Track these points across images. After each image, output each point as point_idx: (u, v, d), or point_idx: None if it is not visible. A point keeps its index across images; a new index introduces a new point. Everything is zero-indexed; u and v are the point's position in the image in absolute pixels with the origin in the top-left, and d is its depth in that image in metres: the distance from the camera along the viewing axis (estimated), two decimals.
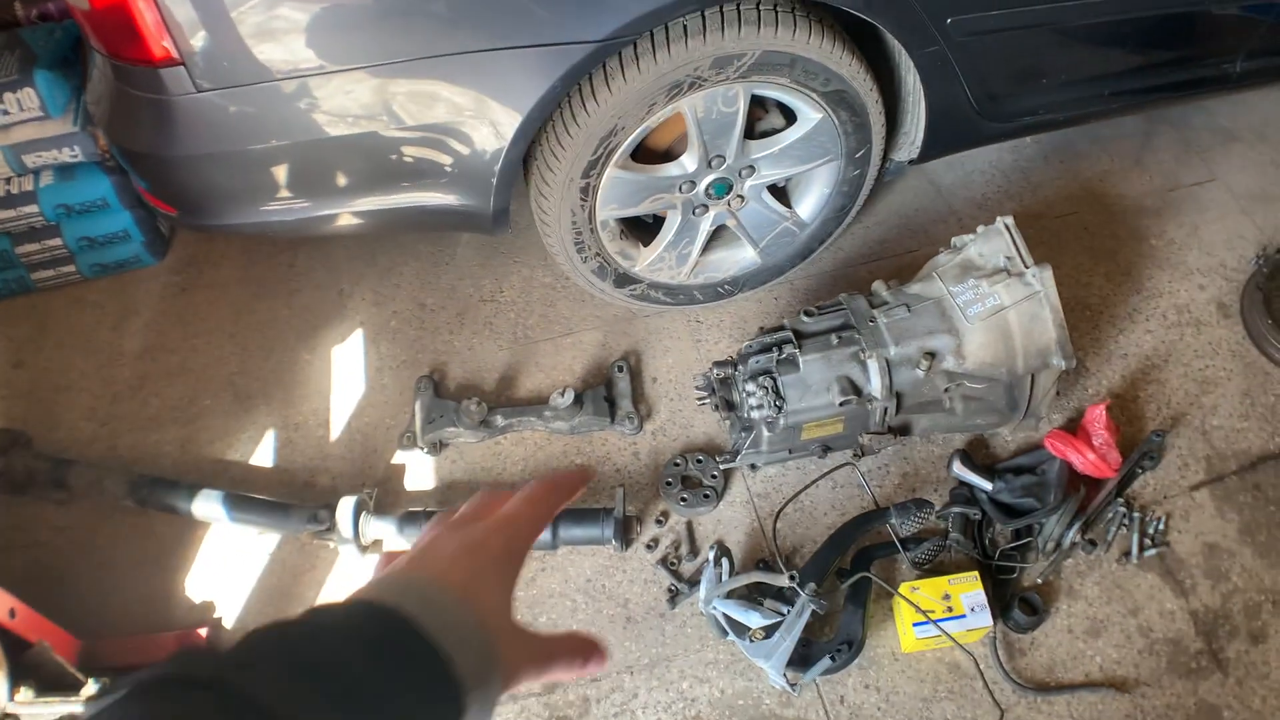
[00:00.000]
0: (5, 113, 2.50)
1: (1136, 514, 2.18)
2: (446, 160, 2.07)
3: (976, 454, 2.26)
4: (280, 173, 2.11)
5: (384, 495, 2.30)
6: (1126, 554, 2.14)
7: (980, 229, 2.15)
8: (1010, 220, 2.11)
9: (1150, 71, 2.48)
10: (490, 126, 1.99)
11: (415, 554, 0.65)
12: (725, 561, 2.01)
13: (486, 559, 0.64)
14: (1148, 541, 2.16)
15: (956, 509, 2.13)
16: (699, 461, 2.25)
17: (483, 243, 2.77)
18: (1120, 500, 2.19)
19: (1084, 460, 2.16)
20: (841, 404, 2.02)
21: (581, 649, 0.68)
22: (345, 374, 2.56)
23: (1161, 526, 2.18)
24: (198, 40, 1.85)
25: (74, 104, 2.57)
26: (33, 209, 2.64)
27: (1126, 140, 2.87)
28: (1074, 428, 2.27)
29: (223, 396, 2.54)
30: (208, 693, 0.48)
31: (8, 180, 2.63)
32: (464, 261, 2.75)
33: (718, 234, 2.38)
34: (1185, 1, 2.33)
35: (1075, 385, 2.39)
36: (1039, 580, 2.11)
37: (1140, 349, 2.45)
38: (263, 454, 2.43)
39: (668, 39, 1.93)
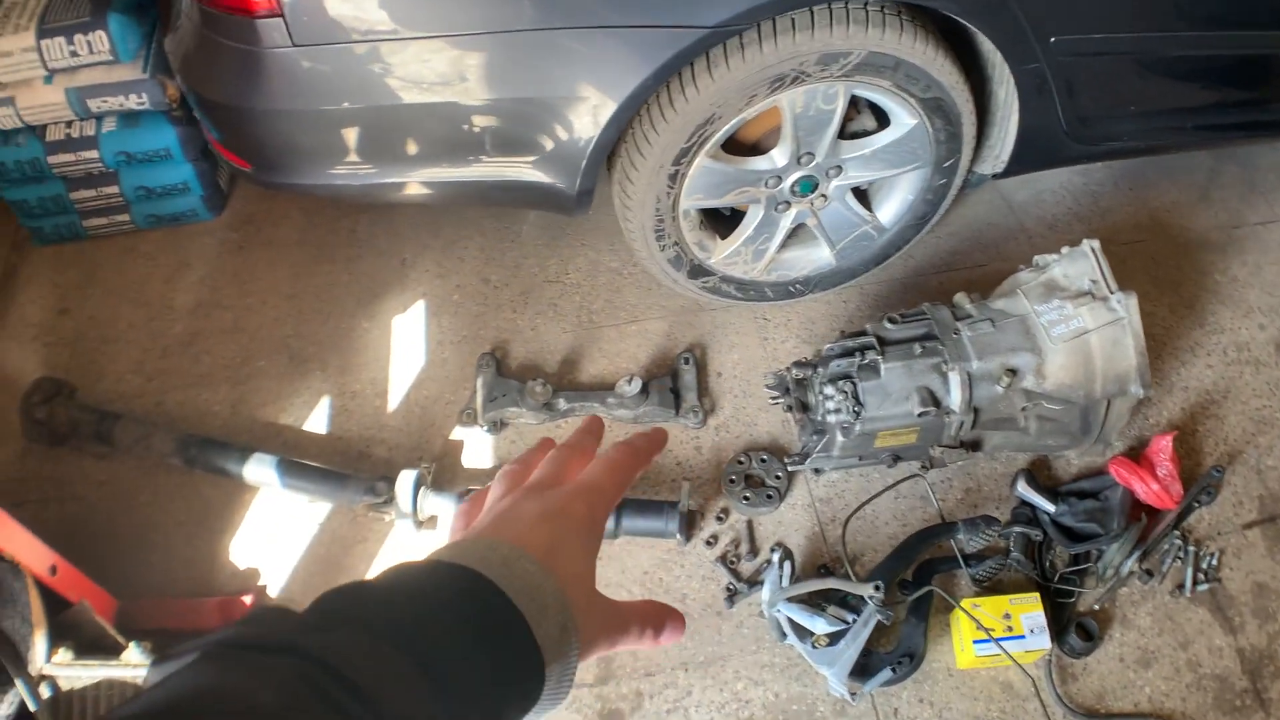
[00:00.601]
0: (74, 54, 2.46)
1: (1191, 548, 2.17)
2: (535, 137, 2.04)
3: (1038, 475, 2.25)
4: (362, 136, 2.07)
5: (440, 471, 2.27)
6: (1180, 587, 2.13)
7: (1065, 250, 2.14)
8: (1096, 244, 2.10)
9: (1233, 109, 2.48)
10: (587, 105, 1.97)
11: (495, 518, 0.62)
12: (788, 564, 1.98)
13: (569, 526, 0.61)
14: (1201, 576, 2.15)
15: (1019, 528, 2.12)
16: (763, 461, 2.23)
17: (549, 222, 2.74)
18: (1177, 533, 2.18)
19: (1147, 490, 2.15)
20: (920, 414, 2.00)
21: (658, 616, 0.66)
22: (405, 345, 2.52)
23: (1215, 562, 2.17)
24: None
25: (145, 50, 2.53)
26: (92, 154, 2.59)
27: (1194, 174, 2.87)
28: (1135, 455, 2.26)
29: (277, 359, 2.50)
30: (285, 658, 0.46)
31: (69, 124, 2.59)
32: (530, 240, 2.72)
33: (795, 232, 2.36)
34: (1276, 45, 2.33)
35: (1136, 415, 2.38)
36: (1095, 606, 2.10)
37: (1200, 383, 2.44)
38: (316, 420, 2.39)
39: (776, 31, 1.91)
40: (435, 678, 0.49)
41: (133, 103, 2.54)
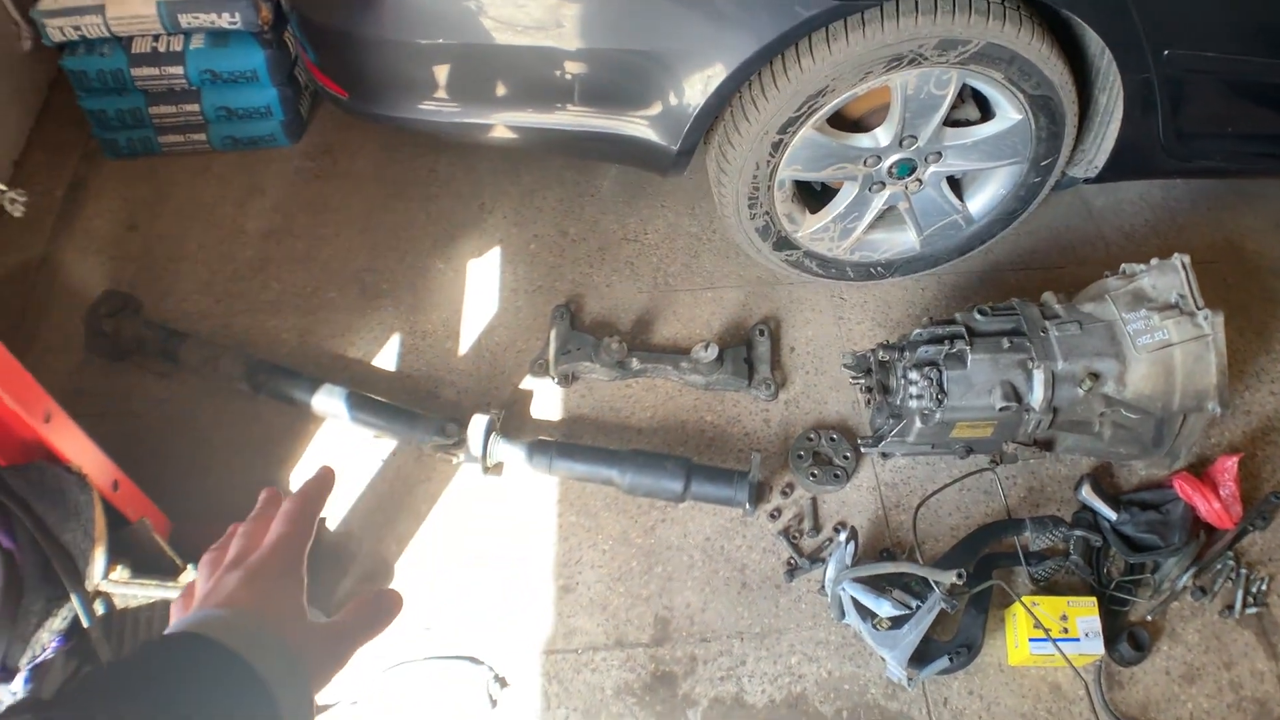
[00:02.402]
0: None
1: (1243, 570, 2.18)
2: (641, 91, 2.03)
3: (1102, 481, 2.25)
4: (462, 72, 2.06)
5: (509, 419, 2.26)
6: (1229, 607, 2.13)
7: (1154, 261, 2.14)
8: (1187, 259, 2.10)
9: None
10: (700, 64, 1.96)
11: (205, 596, 0.72)
12: (853, 545, 1.98)
13: (269, 580, 0.72)
14: (1250, 599, 2.15)
15: (1080, 532, 2.12)
16: (832, 439, 2.23)
17: (629, 181, 2.72)
18: (1230, 554, 2.19)
19: (1209, 508, 2.15)
20: (1001, 409, 2.00)
21: (370, 607, 0.78)
22: (478, 289, 2.51)
23: (1264, 587, 2.17)
24: None
25: None
26: (177, 70, 2.57)
27: (1271, 201, 2.86)
28: (1198, 473, 2.26)
29: (349, 291, 2.48)
30: None
31: (156, 38, 2.57)
32: (609, 197, 2.71)
33: (883, 214, 2.35)
34: None
35: (1205, 433, 2.39)
36: (1147, 617, 2.10)
37: (1263, 409, 2.45)
38: (386, 357, 2.38)
39: (900, 10, 1.90)
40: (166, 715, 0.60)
41: (224, 21, 2.52)
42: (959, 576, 1.76)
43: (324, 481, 0.84)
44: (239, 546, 0.76)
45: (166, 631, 0.67)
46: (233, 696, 0.63)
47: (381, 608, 0.79)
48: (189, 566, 1.86)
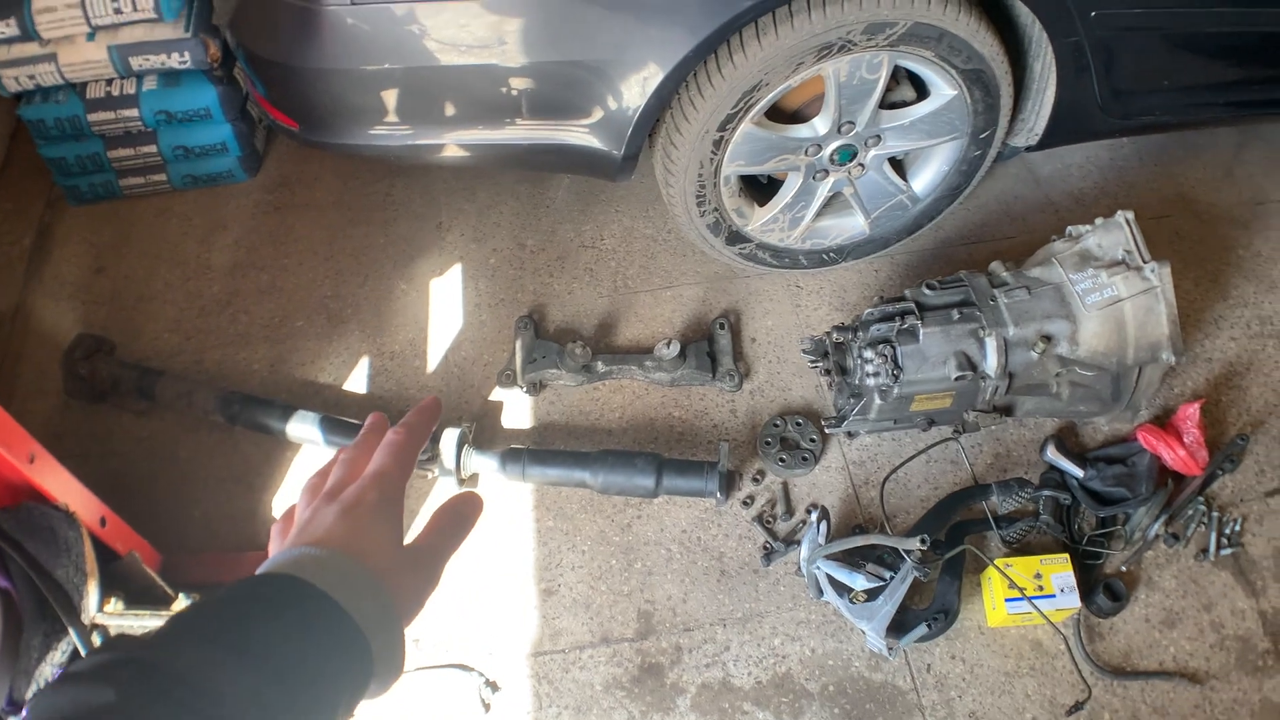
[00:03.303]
0: (118, 11, 2.48)
1: (1215, 513, 2.22)
2: (582, 100, 2.06)
3: (1067, 441, 2.29)
4: (408, 96, 2.10)
5: (480, 431, 2.30)
6: (1204, 551, 2.17)
7: (1099, 221, 2.18)
8: (1131, 215, 2.14)
9: (1261, 85, 2.50)
10: (635, 70, 1.99)
11: (301, 529, 0.71)
12: (824, 524, 2.02)
13: (365, 514, 0.71)
14: (1224, 541, 2.19)
15: (1048, 492, 2.16)
16: (798, 424, 2.27)
17: (582, 189, 2.77)
18: (1201, 499, 2.23)
19: (1174, 456, 2.19)
20: (957, 379, 2.04)
21: (452, 513, 0.78)
22: (442, 307, 2.55)
23: (1238, 528, 2.21)
24: None
25: (188, 9, 2.55)
26: (132, 113, 2.61)
27: (1219, 150, 2.90)
28: (1161, 423, 2.30)
29: (316, 319, 2.52)
30: (129, 668, 0.55)
31: (110, 82, 2.61)
32: (564, 206, 2.75)
33: (830, 201, 2.39)
34: None
35: (1162, 385, 2.42)
36: (1122, 568, 2.14)
37: (1224, 355, 2.49)
38: (356, 380, 2.42)
39: (825, 0, 1.93)
40: (254, 666, 0.58)
41: (175, 61, 2.55)
42: (922, 542, 1.80)
43: (430, 411, 0.83)
44: (338, 475, 0.75)
45: (261, 570, 0.66)
46: (326, 641, 0.62)
47: (462, 513, 0.79)
48: (180, 595, 1.91)
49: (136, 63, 2.55)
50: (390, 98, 2.09)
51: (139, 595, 1.88)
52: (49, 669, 1.66)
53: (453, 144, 2.18)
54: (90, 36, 2.52)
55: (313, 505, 0.73)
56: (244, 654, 0.58)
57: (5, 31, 2.50)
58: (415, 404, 2.35)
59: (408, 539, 0.73)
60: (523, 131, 2.14)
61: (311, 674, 0.60)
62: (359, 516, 0.71)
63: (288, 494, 2.25)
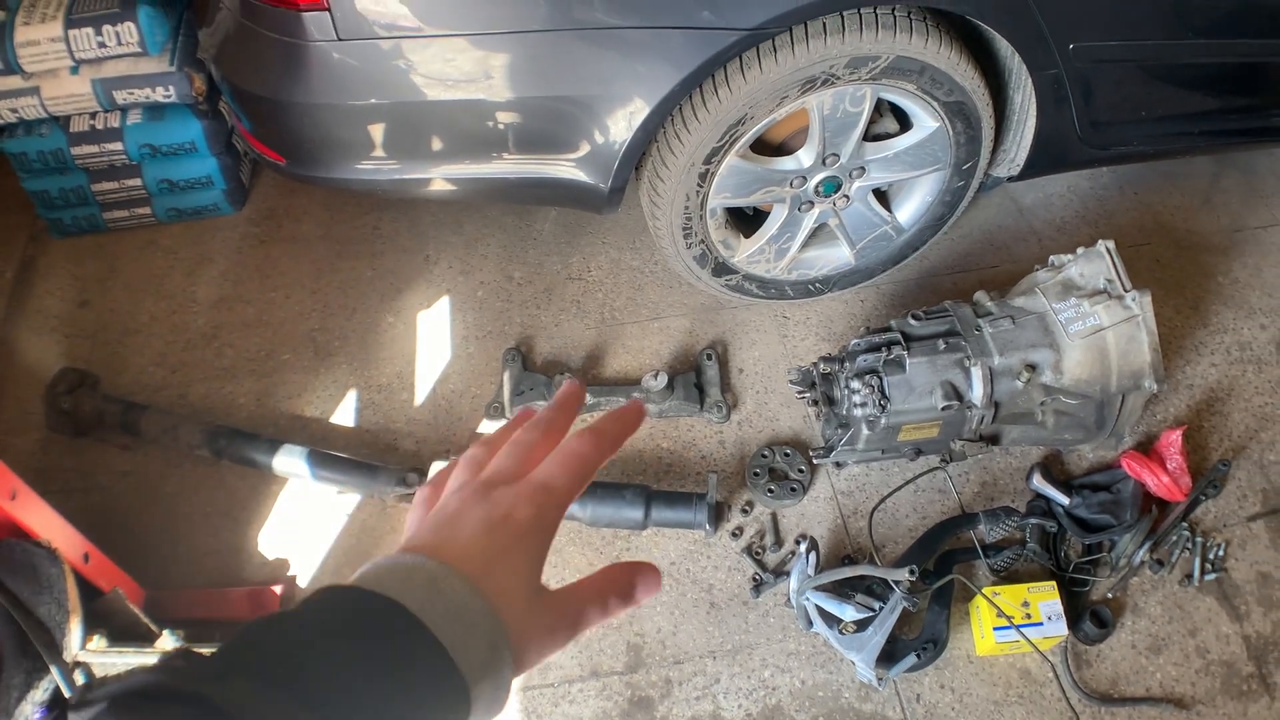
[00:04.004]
0: (102, 45, 2.48)
1: (1199, 539, 2.24)
2: (568, 135, 2.08)
3: (1052, 469, 2.31)
4: (395, 131, 2.10)
5: None
6: (1188, 576, 2.19)
7: (1080, 250, 2.20)
8: (1111, 244, 2.16)
9: (1237, 115, 2.55)
10: (621, 104, 2.01)
11: (438, 525, 0.60)
12: (813, 555, 2.03)
13: (511, 536, 0.59)
14: (1208, 566, 2.21)
15: (1035, 520, 2.18)
16: (786, 455, 2.28)
17: (569, 221, 2.78)
18: (1185, 525, 2.25)
19: (1158, 482, 2.22)
20: (944, 408, 2.06)
21: (622, 579, 0.63)
22: (430, 340, 2.55)
23: (1221, 553, 2.23)
24: None
25: (172, 43, 2.56)
26: (116, 146, 2.61)
27: (1197, 179, 2.95)
28: (1145, 450, 2.32)
29: (303, 352, 2.52)
30: (184, 708, 0.47)
31: (94, 115, 2.60)
32: (551, 238, 2.76)
33: (816, 232, 2.41)
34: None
35: (1145, 412, 2.45)
36: (1108, 595, 2.16)
37: (1205, 381, 2.51)
38: (344, 413, 2.41)
39: (809, 34, 1.96)
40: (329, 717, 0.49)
41: (159, 95, 2.55)
42: (910, 573, 1.81)
43: (628, 420, 0.68)
44: (503, 464, 0.63)
45: (365, 571, 0.55)
46: (418, 693, 0.52)
47: (638, 575, 0.64)
48: (165, 632, 1.89)
49: (121, 96, 2.55)
50: (377, 132, 2.10)
51: (123, 632, 1.85)
52: (30, 707, 1.64)
53: (440, 178, 2.19)
54: (74, 70, 2.52)
55: (460, 493, 0.61)
56: (313, 706, 0.48)
57: None
58: (404, 435, 2.32)
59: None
60: (510, 165, 2.15)
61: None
62: (504, 537, 0.58)
63: (274, 529, 2.24)
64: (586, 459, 0.63)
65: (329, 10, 1.89)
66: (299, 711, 0.48)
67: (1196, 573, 2.19)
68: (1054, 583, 2.06)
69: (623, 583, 0.63)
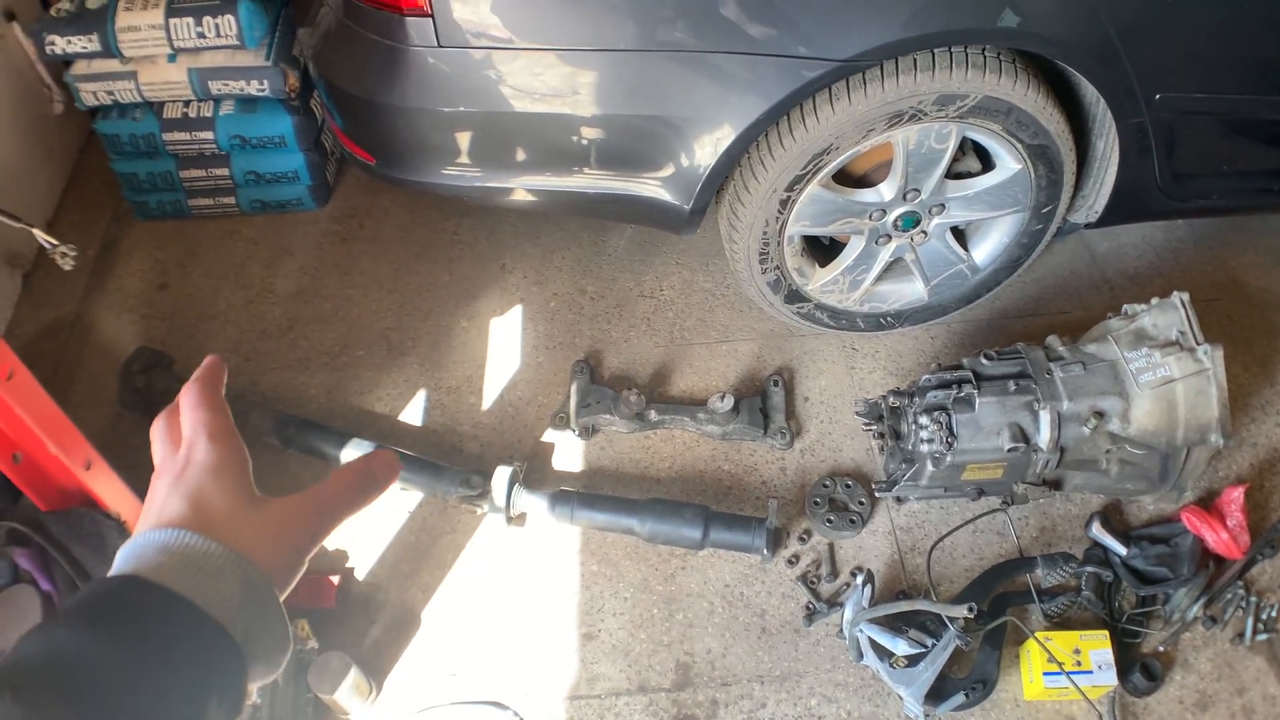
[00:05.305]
0: (201, 35, 2.54)
1: (1253, 598, 2.21)
2: (653, 154, 2.11)
3: (1111, 518, 2.30)
4: (486, 139, 2.15)
5: (531, 470, 2.33)
6: (1240, 635, 2.17)
7: (1155, 300, 2.19)
8: (1186, 296, 2.16)
9: None
10: (708, 128, 2.03)
11: (146, 508, 0.63)
12: (869, 588, 2.04)
13: (200, 471, 0.62)
14: (1260, 626, 2.19)
15: (1091, 568, 2.17)
16: (848, 486, 2.29)
17: (644, 239, 2.81)
18: (1240, 583, 2.23)
19: (1217, 539, 2.20)
20: (1010, 450, 2.06)
21: (360, 477, 0.69)
22: (501, 346, 2.59)
23: (1274, 614, 2.21)
24: None
25: (269, 38, 2.62)
26: (207, 135, 2.67)
27: (1272, 236, 2.92)
28: (1205, 506, 2.31)
29: (376, 349, 2.57)
30: None
31: (187, 104, 2.67)
32: (625, 255, 2.79)
33: (891, 266, 2.42)
34: None
35: (1208, 467, 2.43)
36: (1159, 648, 2.14)
37: (1269, 440, 2.49)
38: (412, 412, 2.45)
39: (900, 69, 1.97)
40: (94, 704, 0.51)
41: (253, 88, 2.62)
42: (969, 610, 1.82)
43: (213, 368, 0.71)
44: (159, 452, 0.67)
45: (112, 573, 0.57)
46: (185, 649, 0.55)
47: (372, 472, 0.69)
48: None
49: (215, 87, 2.61)
50: (464, 139, 2.15)
51: None
52: None
53: (521, 188, 2.23)
54: (171, 58, 2.59)
55: (153, 480, 0.65)
56: (74, 702, 0.51)
57: (87, 47, 2.58)
58: (469, 438, 2.37)
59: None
60: (590, 180, 2.18)
61: (155, 695, 0.53)
62: (193, 477, 0.62)
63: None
64: (204, 387, 0.68)
65: (432, 16, 1.93)
66: (55, 704, 0.50)
67: (1249, 632, 2.17)
68: (1106, 632, 2.05)
69: (363, 470, 0.69)
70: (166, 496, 0.61)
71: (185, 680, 0.54)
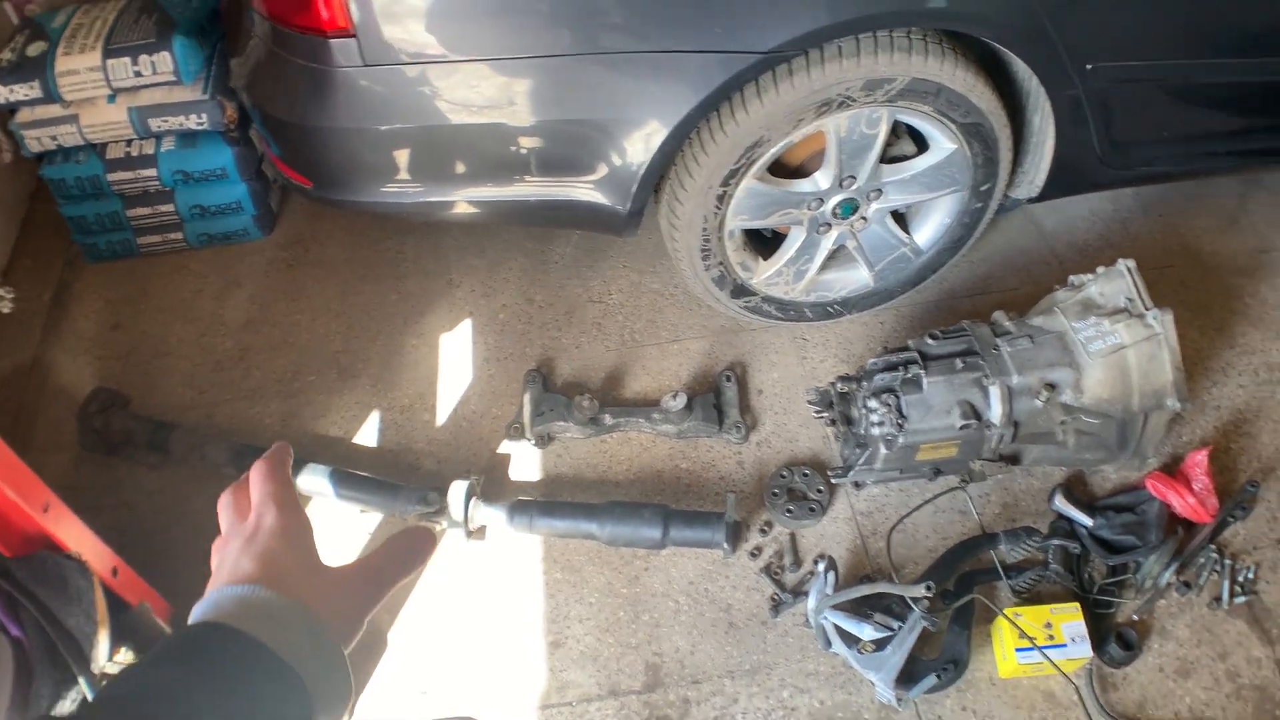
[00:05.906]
0: (138, 74, 2.55)
1: (1228, 561, 2.20)
2: (588, 158, 2.11)
3: (1075, 489, 2.29)
4: (419, 155, 2.14)
5: (489, 483, 2.32)
6: (1217, 599, 2.16)
7: (1100, 269, 2.19)
8: (1132, 263, 2.16)
9: (1262, 134, 2.53)
10: (640, 128, 2.03)
11: (218, 566, 0.71)
12: (832, 574, 2.02)
13: (270, 537, 0.69)
14: (1238, 589, 2.18)
15: (1057, 541, 2.15)
16: (805, 475, 2.28)
17: (590, 245, 2.81)
18: (1213, 546, 2.22)
19: (1184, 503, 2.19)
20: (962, 427, 2.05)
21: (407, 547, 0.76)
22: (452, 361, 2.59)
23: (1251, 575, 2.20)
24: (373, 15, 1.89)
25: (206, 72, 2.62)
26: (150, 173, 2.67)
27: (1222, 199, 2.93)
28: (1170, 471, 2.30)
29: (327, 374, 2.56)
30: None
31: (129, 142, 2.67)
32: (572, 262, 2.79)
33: (834, 254, 2.42)
34: None
35: (1170, 433, 2.43)
36: (1134, 617, 2.13)
37: (1232, 402, 2.49)
38: (367, 434, 2.45)
39: (825, 57, 1.98)
40: None
41: (192, 123, 2.62)
42: (927, 589, 1.80)
43: (281, 450, 0.80)
44: (227, 519, 0.74)
45: (191, 621, 0.64)
46: (252, 688, 0.60)
47: (414, 544, 0.77)
48: None
49: (155, 124, 2.62)
50: (402, 156, 2.14)
51: (149, 645, 1.89)
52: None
53: (463, 201, 2.23)
54: (111, 99, 2.60)
55: (222, 541, 0.73)
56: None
57: (29, 94, 2.58)
58: (425, 455, 2.37)
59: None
60: (531, 188, 2.18)
61: None
62: (261, 542, 0.69)
63: None
64: (273, 464, 0.76)
65: (355, 37, 1.94)
66: None
67: (1226, 595, 2.16)
68: (1077, 604, 2.04)
69: (406, 542, 0.77)
70: (238, 558, 0.68)
71: (261, 714, 0.60)
